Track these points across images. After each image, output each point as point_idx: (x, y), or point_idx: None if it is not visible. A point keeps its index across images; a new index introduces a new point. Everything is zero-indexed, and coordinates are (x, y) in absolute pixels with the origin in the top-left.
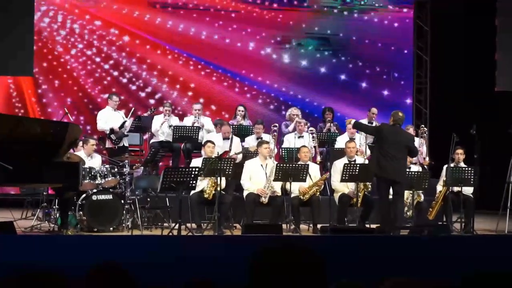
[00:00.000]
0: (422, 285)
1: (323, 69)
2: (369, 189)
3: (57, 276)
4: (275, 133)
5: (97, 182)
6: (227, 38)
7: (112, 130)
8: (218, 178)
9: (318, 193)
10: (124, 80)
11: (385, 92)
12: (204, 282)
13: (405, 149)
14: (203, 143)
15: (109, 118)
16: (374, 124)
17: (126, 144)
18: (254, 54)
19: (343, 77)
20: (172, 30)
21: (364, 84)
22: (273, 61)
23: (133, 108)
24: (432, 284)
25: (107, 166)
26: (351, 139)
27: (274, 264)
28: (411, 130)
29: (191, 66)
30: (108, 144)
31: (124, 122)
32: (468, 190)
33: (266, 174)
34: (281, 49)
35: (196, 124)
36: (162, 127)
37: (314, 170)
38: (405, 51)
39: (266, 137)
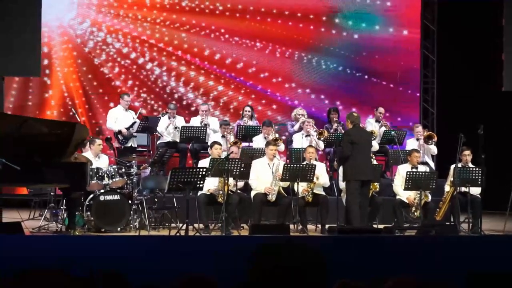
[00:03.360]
0: (423, 284)
1: (328, 67)
2: (377, 189)
3: (58, 273)
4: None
5: (104, 182)
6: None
7: (120, 132)
8: (228, 179)
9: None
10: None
11: (392, 93)
12: (203, 279)
13: (369, 147)
14: (209, 144)
15: (119, 117)
16: (380, 123)
17: (134, 145)
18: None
19: (348, 76)
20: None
21: (370, 84)
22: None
23: (140, 109)
24: (433, 283)
25: (114, 166)
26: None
27: (272, 262)
28: (420, 129)
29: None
30: (115, 144)
31: (133, 123)
32: (475, 191)
33: (273, 173)
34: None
35: (204, 122)
36: (168, 128)
37: (321, 170)
38: (412, 52)
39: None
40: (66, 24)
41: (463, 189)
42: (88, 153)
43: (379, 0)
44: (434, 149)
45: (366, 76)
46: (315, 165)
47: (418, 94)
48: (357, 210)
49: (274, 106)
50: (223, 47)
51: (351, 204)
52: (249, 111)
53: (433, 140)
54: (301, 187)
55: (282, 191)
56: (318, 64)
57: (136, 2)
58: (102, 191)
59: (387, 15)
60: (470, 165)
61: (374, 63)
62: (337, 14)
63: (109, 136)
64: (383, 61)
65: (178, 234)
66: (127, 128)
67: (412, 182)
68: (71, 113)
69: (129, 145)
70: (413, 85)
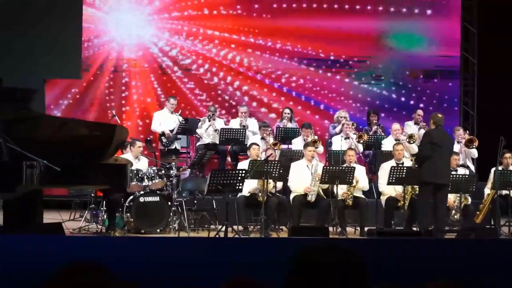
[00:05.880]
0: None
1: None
2: (416, 192)
3: (104, 269)
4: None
5: (144, 184)
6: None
7: (163, 134)
8: (267, 181)
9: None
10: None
11: (432, 93)
12: (249, 281)
13: (450, 151)
14: (248, 145)
15: (164, 120)
16: (420, 125)
17: (178, 147)
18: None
19: (388, 78)
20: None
21: (411, 90)
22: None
23: (180, 110)
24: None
25: (154, 168)
26: (399, 142)
27: (312, 264)
28: (461, 132)
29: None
30: (159, 146)
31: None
32: None
33: (312, 174)
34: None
35: (242, 124)
36: (207, 130)
37: (361, 173)
38: (452, 54)
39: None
40: (142, 41)
41: (504, 192)
42: (128, 155)
43: (419, 21)
44: (474, 152)
45: (406, 83)
46: (355, 168)
47: (457, 97)
48: (427, 212)
49: (317, 116)
50: (276, 63)
51: (422, 205)
52: (288, 114)
53: (474, 144)
54: (341, 190)
55: (322, 193)
56: (364, 78)
57: (202, 22)
58: (142, 192)
59: (429, 35)
60: (511, 168)
61: (415, 77)
62: (383, 34)
63: (148, 138)
64: (423, 75)
65: (217, 236)
66: (171, 131)
67: (452, 185)
68: (111, 116)
69: (173, 147)
70: (452, 87)
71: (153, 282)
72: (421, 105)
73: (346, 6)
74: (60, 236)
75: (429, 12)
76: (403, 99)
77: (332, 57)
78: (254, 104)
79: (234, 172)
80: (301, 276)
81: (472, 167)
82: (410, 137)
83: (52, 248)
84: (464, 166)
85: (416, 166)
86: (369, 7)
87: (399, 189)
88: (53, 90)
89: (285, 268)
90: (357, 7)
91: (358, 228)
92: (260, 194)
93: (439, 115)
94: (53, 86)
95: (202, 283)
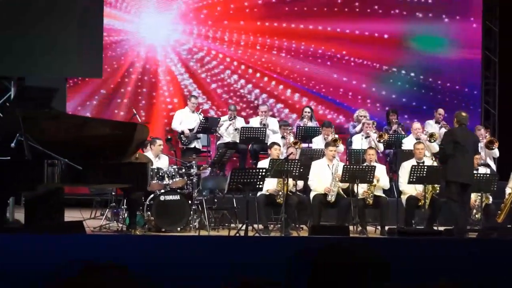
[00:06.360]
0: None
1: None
2: (437, 191)
3: (122, 269)
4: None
5: (164, 182)
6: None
7: (182, 132)
8: (288, 180)
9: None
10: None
11: (453, 94)
12: (249, 281)
13: (474, 150)
14: (268, 144)
15: (185, 119)
16: (441, 124)
17: (198, 146)
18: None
19: (410, 79)
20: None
21: (431, 88)
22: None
23: (200, 109)
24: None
25: (174, 166)
26: (420, 141)
27: (333, 263)
28: (482, 131)
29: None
30: (179, 145)
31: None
32: None
33: (332, 173)
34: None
35: (263, 122)
36: (228, 129)
37: (381, 172)
38: (474, 54)
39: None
40: (170, 43)
41: None
42: (148, 154)
43: (441, 23)
44: (496, 152)
45: (427, 81)
46: (375, 167)
47: (479, 96)
48: (459, 211)
49: (337, 115)
50: (300, 64)
51: (451, 205)
52: (308, 112)
53: (495, 145)
54: (361, 189)
55: (342, 192)
56: (386, 79)
57: (229, 25)
58: (162, 191)
59: (450, 36)
60: None
61: (436, 78)
62: (405, 36)
63: (169, 137)
64: (444, 76)
65: (237, 234)
66: (191, 130)
67: (473, 184)
68: (132, 114)
69: (192, 146)
70: (473, 86)
71: (170, 280)
72: (442, 104)
73: (368, 10)
74: (81, 234)
75: (450, 13)
76: (424, 98)
77: (357, 60)
78: (279, 106)
79: (254, 171)
80: (302, 276)
81: (494, 166)
82: (431, 136)
83: (73, 246)
84: (485, 165)
85: (438, 165)
86: (392, 11)
87: (419, 188)
88: (81, 91)
89: (306, 266)
90: (380, 11)
91: (379, 227)
92: (280, 193)
93: (463, 114)
94: (82, 87)
95: (220, 281)
